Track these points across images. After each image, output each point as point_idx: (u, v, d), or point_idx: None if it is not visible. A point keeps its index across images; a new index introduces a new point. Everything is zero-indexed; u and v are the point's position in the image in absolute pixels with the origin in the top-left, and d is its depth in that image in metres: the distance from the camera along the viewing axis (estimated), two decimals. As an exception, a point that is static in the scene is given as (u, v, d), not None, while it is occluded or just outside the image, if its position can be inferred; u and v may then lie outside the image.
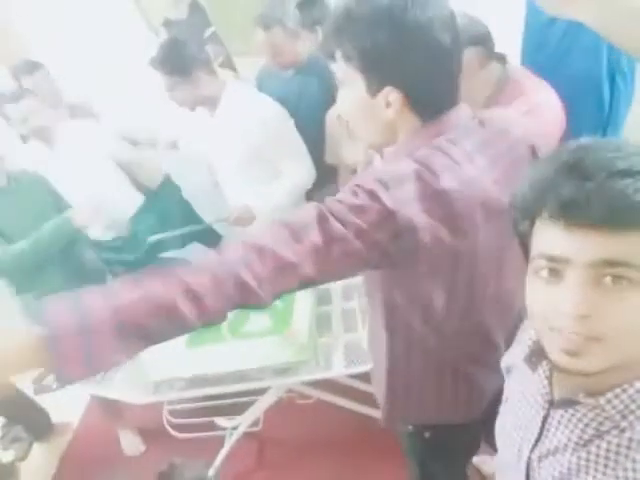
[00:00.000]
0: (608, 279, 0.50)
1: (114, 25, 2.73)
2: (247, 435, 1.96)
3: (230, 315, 1.64)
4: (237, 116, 1.72)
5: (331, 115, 1.77)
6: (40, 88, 2.05)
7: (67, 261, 1.87)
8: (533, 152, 0.88)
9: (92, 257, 2.00)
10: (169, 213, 2.21)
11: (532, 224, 0.57)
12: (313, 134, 1.82)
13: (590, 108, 1.63)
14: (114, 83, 2.57)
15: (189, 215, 2.27)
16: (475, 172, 0.76)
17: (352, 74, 0.78)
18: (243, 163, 1.78)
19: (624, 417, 0.56)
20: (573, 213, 0.50)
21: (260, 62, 2.15)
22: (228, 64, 2.81)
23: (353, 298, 1.69)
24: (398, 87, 0.76)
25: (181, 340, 1.54)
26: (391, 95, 0.77)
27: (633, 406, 0.55)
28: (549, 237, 0.54)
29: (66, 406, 2.44)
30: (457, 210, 0.73)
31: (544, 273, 0.55)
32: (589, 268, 0.51)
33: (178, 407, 1.94)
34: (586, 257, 0.51)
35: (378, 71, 0.76)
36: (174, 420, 1.94)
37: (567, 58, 1.62)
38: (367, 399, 1.85)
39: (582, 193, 0.49)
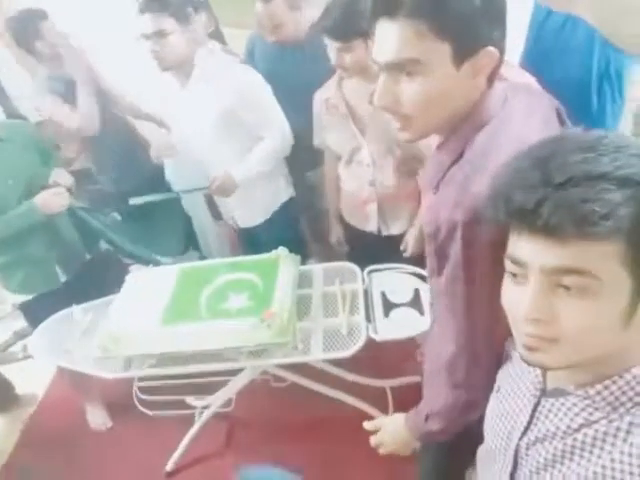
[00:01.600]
0: (563, 287, 0.52)
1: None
2: (218, 416, 1.94)
3: (208, 293, 1.61)
4: (210, 82, 1.69)
5: (318, 98, 1.72)
6: None
7: (44, 231, 1.80)
8: (559, 115, 0.87)
9: (69, 227, 1.92)
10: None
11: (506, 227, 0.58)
12: (307, 112, 1.78)
13: (576, 112, 1.62)
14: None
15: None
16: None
17: (430, 50, 0.69)
18: (219, 130, 1.74)
19: (614, 409, 0.56)
20: (531, 220, 0.51)
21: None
22: (217, 35, 2.73)
23: (334, 283, 1.67)
24: (496, 44, 0.71)
25: (157, 317, 1.50)
26: (486, 57, 0.70)
27: (623, 398, 0.56)
28: (513, 239, 0.56)
29: (32, 377, 2.38)
30: None
31: (510, 275, 0.58)
32: (545, 274, 0.52)
33: (149, 384, 1.89)
34: (541, 264, 0.52)
35: (473, 30, 0.69)
36: (144, 397, 1.90)
37: (559, 59, 1.60)
38: (341, 384, 1.85)
39: (532, 201, 0.50)
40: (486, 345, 0.81)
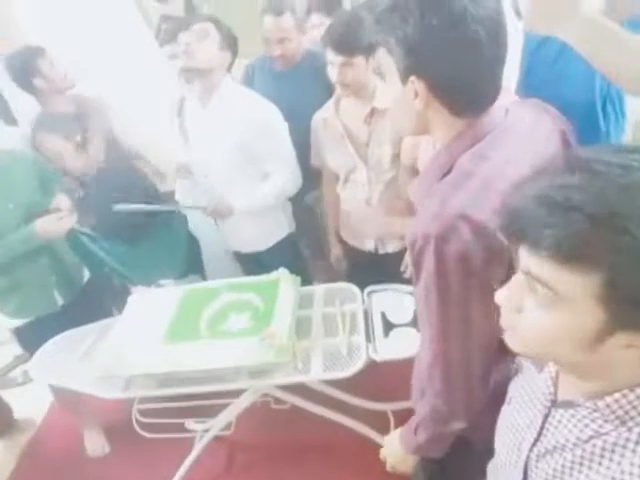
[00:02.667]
0: (534, 291, 0.55)
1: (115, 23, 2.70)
2: (218, 439, 1.92)
3: (210, 313, 1.62)
4: (228, 110, 1.72)
5: (317, 118, 1.77)
6: None
7: (44, 255, 1.82)
8: (563, 137, 0.89)
9: (69, 251, 1.94)
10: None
11: None
12: (306, 135, 1.82)
13: (586, 135, 1.64)
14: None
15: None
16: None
17: (390, 65, 0.79)
18: (234, 155, 1.77)
19: (623, 422, 0.56)
20: (515, 235, 0.55)
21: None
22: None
23: (334, 304, 1.68)
24: (421, 77, 0.76)
25: (159, 337, 1.51)
26: (416, 84, 0.77)
27: (633, 412, 0.55)
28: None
29: (30, 402, 2.36)
30: None
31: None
32: (525, 275, 0.56)
33: (148, 406, 1.88)
34: (525, 266, 0.56)
35: (406, 59, 0.76)
36: (143, 419, 1.89)
37: (559, 84, 1.63)
38: (343, 408, 1.84)
39: (538, 231, 0.52)
40: (461, 356, 0.82)
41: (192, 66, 1.70)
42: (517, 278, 0.58)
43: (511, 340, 0.62)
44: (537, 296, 0.55)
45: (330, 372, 1.44)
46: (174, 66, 1.79)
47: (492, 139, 0.80)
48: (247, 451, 1.99)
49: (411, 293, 1.67)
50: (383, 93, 0.86)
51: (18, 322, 1.87)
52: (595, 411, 0.58)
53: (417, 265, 0.81)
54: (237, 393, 1.73)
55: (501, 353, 0.77)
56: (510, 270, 0.66)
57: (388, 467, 1.10)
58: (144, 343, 1.50)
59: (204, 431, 1.91)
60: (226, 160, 1.79)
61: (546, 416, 0.66)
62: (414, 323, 1.57)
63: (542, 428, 0.66)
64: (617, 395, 0.56)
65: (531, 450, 0.67)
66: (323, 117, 1.73)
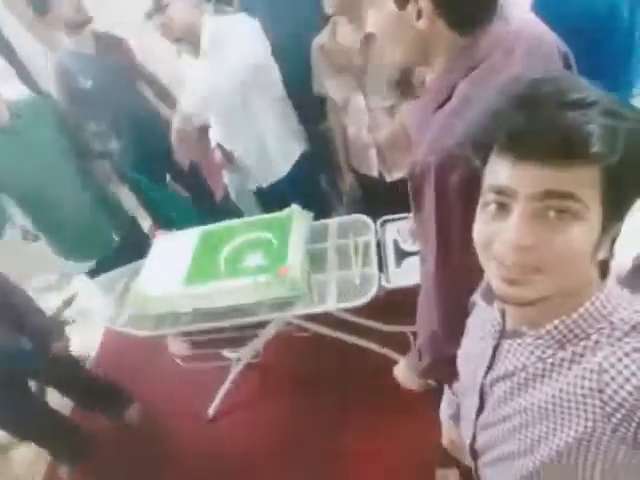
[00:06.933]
0: (552, 212, 0.51)
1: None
2: (250, 366, 2.08)
3: (227, 253, 1.69)
4: (223, 48, 1.69)
5: (315, 45, 1.71)
6: None
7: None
8: (565, 59, 0.85)
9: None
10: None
11: (485, 162, 0.57)
12: (305, 58, 1.77)
13: (614, 48, 1.51)
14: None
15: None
16: None
17: None
18: (246, 88, 1.75)
19: (562, 346, 0.59)
20: (521, 145, 0.51)
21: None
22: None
23: (348, 236, 1.72)
24: None
25: (181, 278, 1.60)
26: (420, 2, 0.74)
27: (570, 335, 0.58)
28: (498, 170, 0.54)
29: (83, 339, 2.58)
30: None
31: (492, 207, 0.56)
32: (534, 200, 0.51)
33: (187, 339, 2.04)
34: (532, 189, 0.51)
35: None
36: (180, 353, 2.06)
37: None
38: (363, 333, 1.93)
39: (530, 125, 0.50)
40: (459, 281, 0.83)
41: (177, 37, 1.71)
42: (521, 216, 0.53)
43: (529, 288, 0.55)
44: (555, 218, 0.51)
45: (344, 302, 1.51)
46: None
47: (493, 62, 0.76)
48: (277, 377, 2.15)
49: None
50: (372, 18, 0.82)
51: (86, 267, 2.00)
52: (538, 338, 0.61)
53: (417, 194, 0.81)
54: (262, 324, 1.84)
55: None
56: None
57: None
58: (169, 283, 1.60)
59: (237, 360, 2.06)
60: (241, 93, 1.76)
61: (496, 347, 0.69)
62: (426, 250, 1.60)
63: (493, 357, 0.69)
64: (556, 322, 0.59)
65: (485, 377, 0.71)
66: (320, 44, 1.68)
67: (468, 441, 0.81)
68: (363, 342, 1.90)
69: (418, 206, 0.83)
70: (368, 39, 1.51)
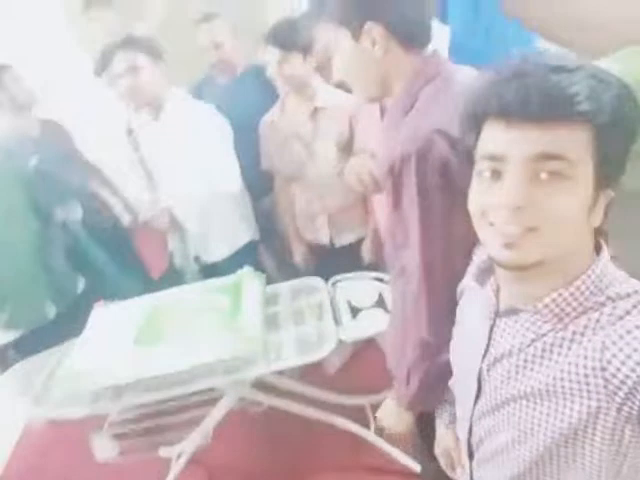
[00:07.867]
0: (544, 174, 0.54)
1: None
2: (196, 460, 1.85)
3: (179, 316, 1.59)
4: (180, 124, 1.75)
5: (264, 122, 1.83)
6: None
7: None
8: None
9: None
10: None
11: (478, 135, 0.60)
12: (254, 142, 1.87)
13: None
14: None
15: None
16: None
17: (336, 33, 0.84)
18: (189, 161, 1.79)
19: (560, 320, 0.59)
20: (513, 110, 0.54)
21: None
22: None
23: (301, 298, 1.71)
24: (378, 19, 0.80)
25: (125, 345, 1.47)
26: (373, 30, 0.81)
27: (568, 309, 0.59)
28: (490, 137, 0.58)
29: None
30: None
31: (486, 174, 0.59)
32: (527, 163, 0.55)
33: (118, 432, 1.80)
34: (524, 152, 0.54)
35: (356, 9, 0.81)
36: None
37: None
38: (320, 405, 1.82)
39: (521, 90, 0.54)
40: (446, 276, 0.84)
41: (142, 102, 1.75)
42: (514, 178, 0.55)
43: (527, 251, 0.57)
44: (549, 179, 0.54)
45: (303, 356, 1.45)
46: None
47: (446, 74, 0.85)
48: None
49: (374, 278, 1.72)
50: (336, 62, 0.89)
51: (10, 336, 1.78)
52: (535, 313, 0.62)
53: (396, 190, 0.83)
54: (213, 402, 1.69)
55: None
56: None
57: (386, 434, 1.11)
58: (110, 353, 1.46)
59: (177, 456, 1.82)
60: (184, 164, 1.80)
61: (492, 327, 0.69)
62: (380, 304, 1.62)
63: (489, 339, 0.69)
64: (554, 295, 0.59)
65: (482, 361, 0.70)
66: (270, 120, 1.80)
67: (464, 437, 0.77)
68: (322, 414, 1.79)
69: (396, 203, 0.85)
70: (316, 112, 1.65)
